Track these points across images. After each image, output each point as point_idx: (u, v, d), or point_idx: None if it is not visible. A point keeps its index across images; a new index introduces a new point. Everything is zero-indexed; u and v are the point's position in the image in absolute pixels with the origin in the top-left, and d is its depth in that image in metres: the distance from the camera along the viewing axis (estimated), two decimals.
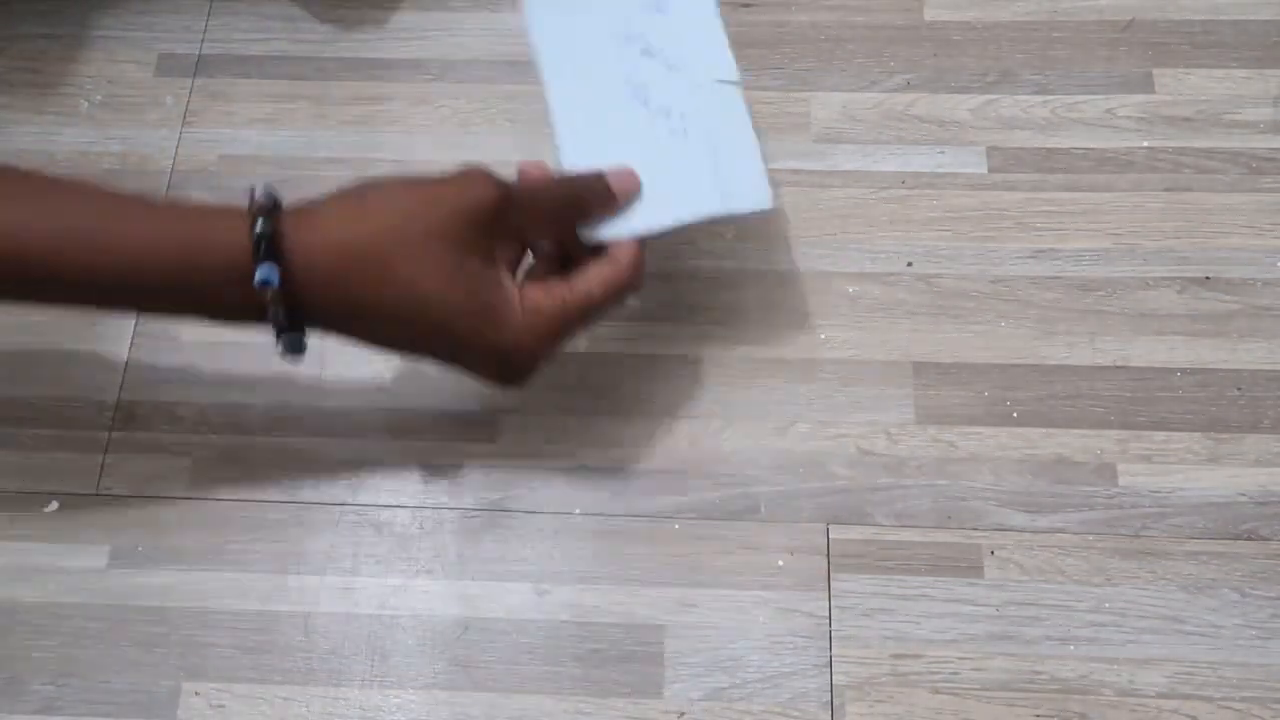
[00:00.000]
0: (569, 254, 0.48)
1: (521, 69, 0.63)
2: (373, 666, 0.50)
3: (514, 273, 0.46)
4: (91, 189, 0.44)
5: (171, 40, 0.65)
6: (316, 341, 0.56)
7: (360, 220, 0.43)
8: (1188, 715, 0.48)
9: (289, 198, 0.44)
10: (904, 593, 0.51)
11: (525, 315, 0.44)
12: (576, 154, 0.49)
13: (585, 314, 0.46)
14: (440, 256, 0.43)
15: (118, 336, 0.57)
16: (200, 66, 0.64)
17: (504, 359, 0.45)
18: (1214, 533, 0.51)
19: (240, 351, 0.56)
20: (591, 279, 0.46)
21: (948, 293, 0.57)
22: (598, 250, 0.47)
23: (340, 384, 0.55)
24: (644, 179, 0.48)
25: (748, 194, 0.49)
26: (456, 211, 0.43)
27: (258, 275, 0.41)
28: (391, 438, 0.54)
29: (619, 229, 0.47)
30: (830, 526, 0.52)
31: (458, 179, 0.45)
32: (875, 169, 0.60)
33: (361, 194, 0.44)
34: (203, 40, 0.64)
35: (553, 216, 0.47)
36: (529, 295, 0.45)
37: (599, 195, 0.47)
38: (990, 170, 0.60)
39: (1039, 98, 0.61)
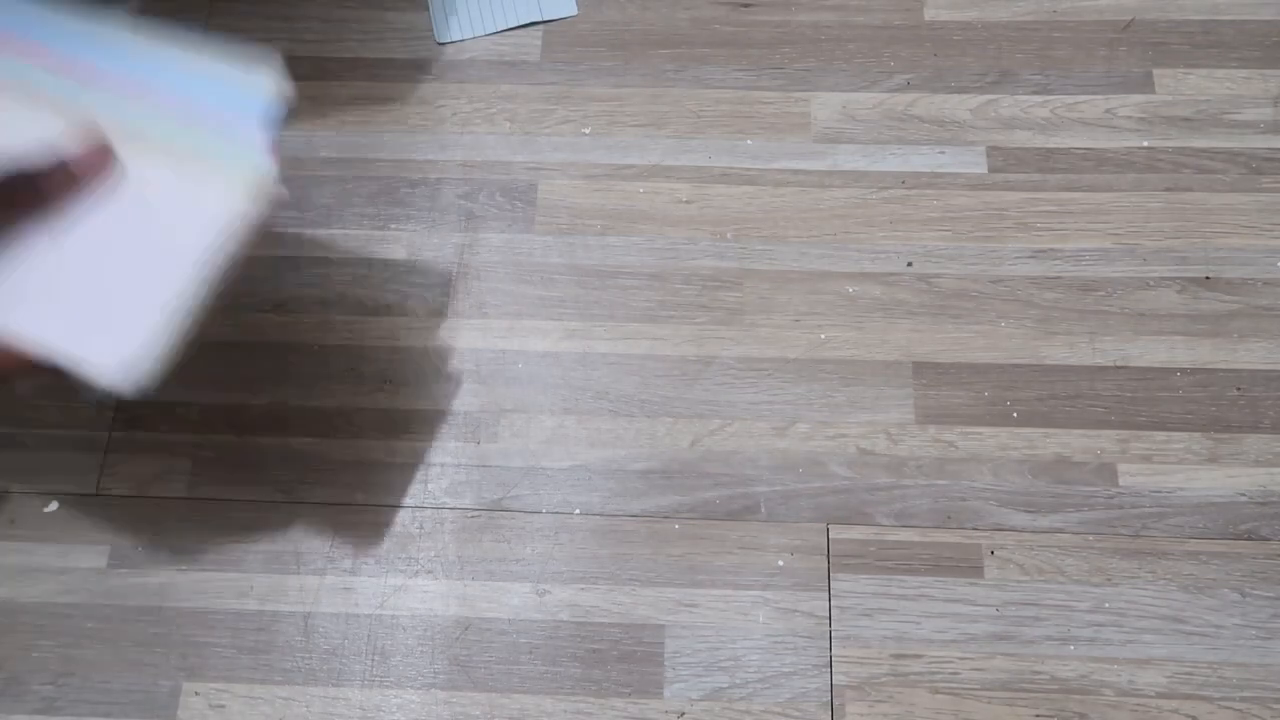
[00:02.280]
0: None
1: (521, 69, 0.63)
2: (373, 666, 0.50)
3: None
4: None
5: None
6: (316, 341, 0.56)
7: None
8: (1188, 715, 0.48)
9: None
10: (904, 593, 0.51)
11: None
12: None
13: None
14: None
15: None
16: None
17: None
18: (1214, 533, 0.51)
19: (240, 352, 0.56)
20: None
21: (948, 293, 0.57)
22: None
23: (340, 384, 0.55)
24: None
25: (117, 353, 0.39)
26: None
27: None
28: (392, 438, 0.54)
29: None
30: (830, 526, 0.52)
31: None
32: (875, 169, 0.60)
33: None
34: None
35: None
36: None
37: (47, 180, 0.40)
38: (990, 170, 0.60)
39: (1039, 98, 0.61)
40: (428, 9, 0.65)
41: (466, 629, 0.50)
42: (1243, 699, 0.48)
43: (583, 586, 0.51)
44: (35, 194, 0.40)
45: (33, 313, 0.39)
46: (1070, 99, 0.61)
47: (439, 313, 0.57)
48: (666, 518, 0.52)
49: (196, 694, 0.49)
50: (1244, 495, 0.52)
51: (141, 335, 0.39)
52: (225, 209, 0.41)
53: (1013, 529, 0.52)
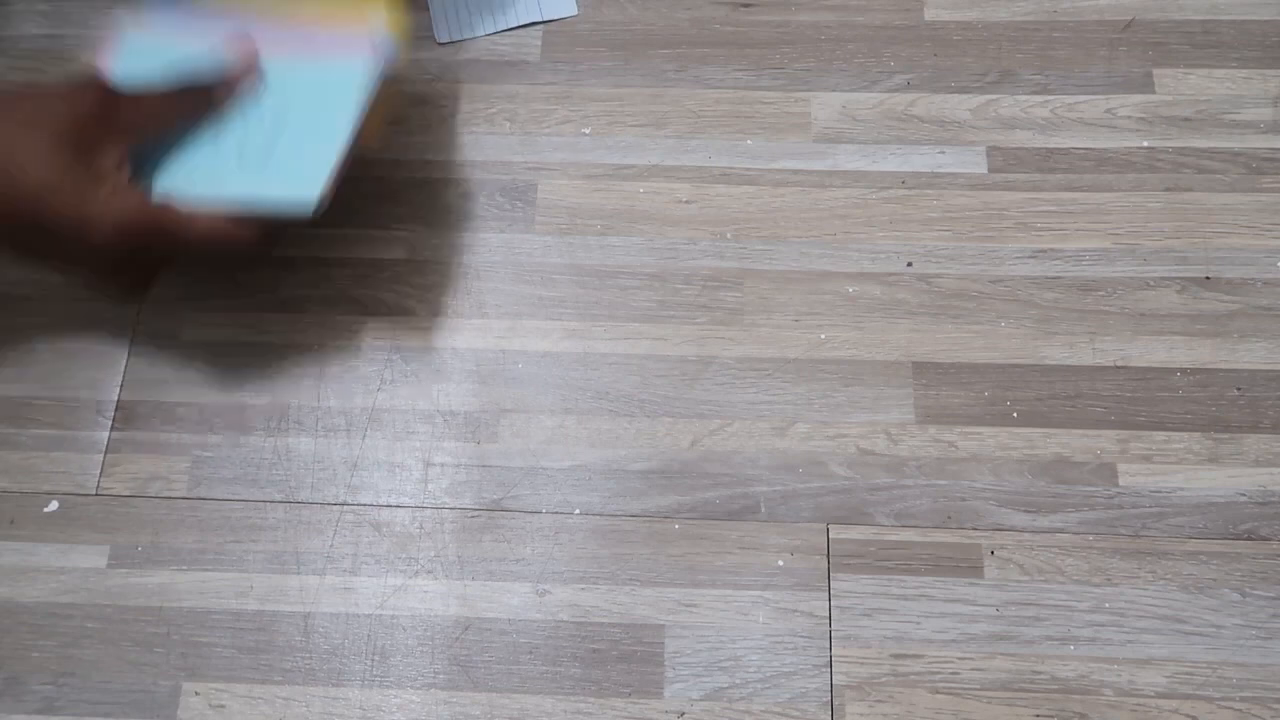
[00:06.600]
0: None
1: (521, 69, 0.63)
2: (373, 666, 0.50)
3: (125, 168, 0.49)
4: None
5: None
6: (316, 341, 0.56)
7: None
8: (1188, 715, 0.48)
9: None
10: (904, 593, 0.51)
11: (116, 196, 0.48)
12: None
13: (175, 226, 0.49)
14: (39, 140, 0.47)
15: (118, 336, 0.57)
16: None
17: (87, 230, 0.47)
18: (1214, 533, 0.51)
19: (240, 351, 0.56)
20: (198, 212, 0.49)
21: (948, 293, 0.57)
22: None
23: (340, 383, 0.55)
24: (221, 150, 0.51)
25: (301, 193, 0.49)
26: (59, 109, 0.48)
27: None
28: (391, 438, 0.54)
29: (185, 188, 0.50)
30: (830, 526, 0.52)
31: (66, 83, 0.50)
32: (875, 169, 0.60)
33: None
34: None
35: (163, 109, 0.51)
36: (128, 190, 0.48)
37: (212, 87, 0.51)
38: (990, 170, 0.60)
39: (1039, 98, 0.61)
40: (428, 9, 0.65)
41: (466, 629, 0.50)
42: (1243, 699, 0.48)
43: (583, 586, 0.51)
44: (205, 98, 0.51)
45: (222, 180, 0.50)
46: (1070, 99, 0.61)
47: (439, 313, 0.57)
48: (666, 518, 0.52)
49: (196, 694, 0.49)
50: (1244, 495, 0.52)
51: (320, 166, 0.50)
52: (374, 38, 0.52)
53: (1013, 529, 0.52)
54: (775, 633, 0.50)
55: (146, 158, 0.50)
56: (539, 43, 0.64)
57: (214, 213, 0.49)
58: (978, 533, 0.52)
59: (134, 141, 0.49)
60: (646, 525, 0.52)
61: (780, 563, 0.51)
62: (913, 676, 0.49)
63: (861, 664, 0.49)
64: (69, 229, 0.47)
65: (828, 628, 0.50)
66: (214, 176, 0.50)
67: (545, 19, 0.64)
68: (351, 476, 0.54)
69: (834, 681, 0.49)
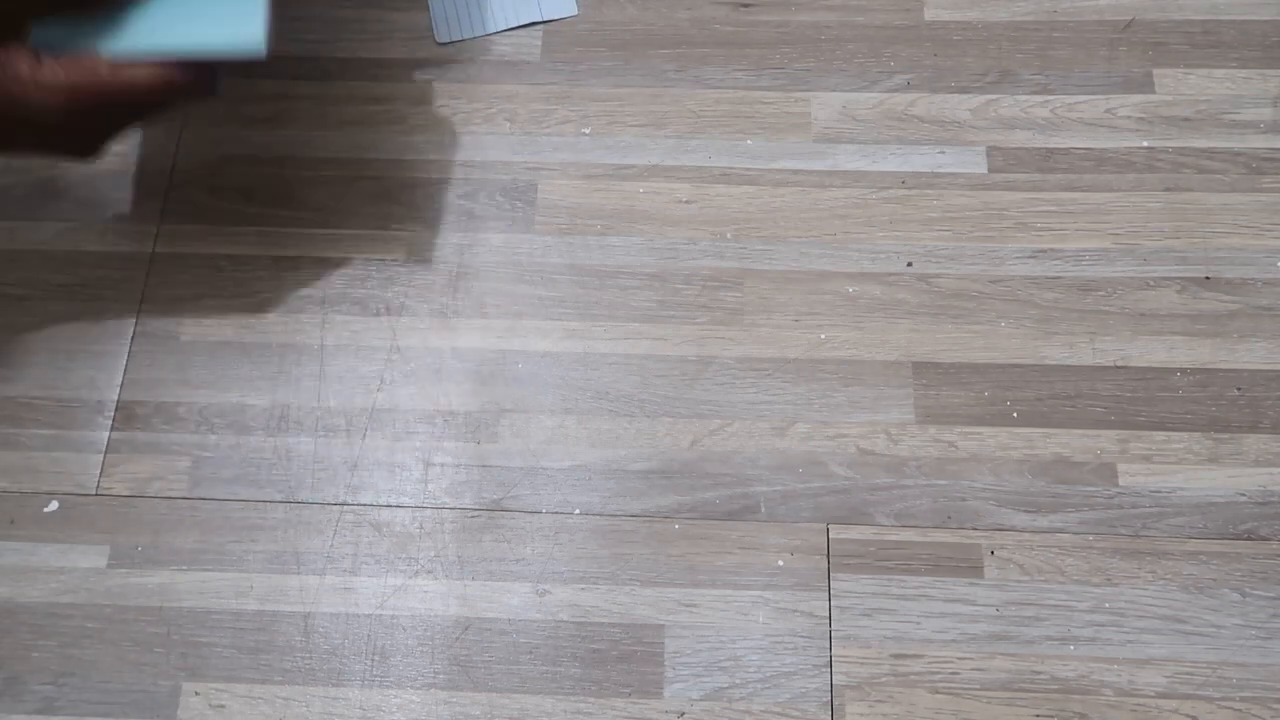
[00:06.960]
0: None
1: (521, 69, 0.63)
2: (373, 666, 0.50)
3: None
4: None
5: None
6: (316, 341, 0.56)
7: None
8: (1188, 715, 0.48)
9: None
10: (904, 593, 0.51)
11: (36, 70, 0.45)
12: None
13: (109, 82, 0.46)
14: None
15: (118, 336, 0.57)
16: None
17: (17, 106, 0.45)
18: (1214, 533, 0.51)
19: (240, 351, 0.56)
20: (131, 65, 0.46)
21: (948, 293, 0.57)
22: None
23: (340, 384, 0.55)
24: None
25: (243, 34, 0.47)
26: None
27: None
28: (391, 438, 0.54)
29: (125, 46, 0.46)
30: (830, 526, 0.52)
31: None
32: (875, 169, 0.60)
33: None
34: None
35: None
36: (41, 61, 0.45)
37: None
38: (990, 170, 0.60)
39: (1039, 98, 0.61)
40: (428, 9, 0.65)
41: (466, 629, 0.51)
42: (1243, 699, 0.48)
43: (583, 586, 0.51)
44: None
45: (159, 31, 0.47)
46: (1070, 99, 0.61)
47: (439, 313, 0.57)
48: (666, 518, 0.52)
49: (196, 694, 0.49)
50: (1244, 495, 0.52)
51: (257, 6, 0.47)
52: None
53: (1013, 529, 0.52)
54: (775, 633, 0.50)
55: (54, 31, 0.47)
56: (539, 43, 0.64)
57: (149, 63, 0.46)
58: (978, 533, 0.52)
59: (31, 15, 0.47)
60: (646, 525, 0.52)
61: (780, 563, 0.51)
62: (913, 676, 0.49)
63: (861, 664, 0.49)
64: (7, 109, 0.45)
65: (828, 628, 0.50)
66: (143, 32, 0.47)
67: (545, 19, 0.64)
68: (351, 476, 0.54)
69: (834, 681, 0.49)
